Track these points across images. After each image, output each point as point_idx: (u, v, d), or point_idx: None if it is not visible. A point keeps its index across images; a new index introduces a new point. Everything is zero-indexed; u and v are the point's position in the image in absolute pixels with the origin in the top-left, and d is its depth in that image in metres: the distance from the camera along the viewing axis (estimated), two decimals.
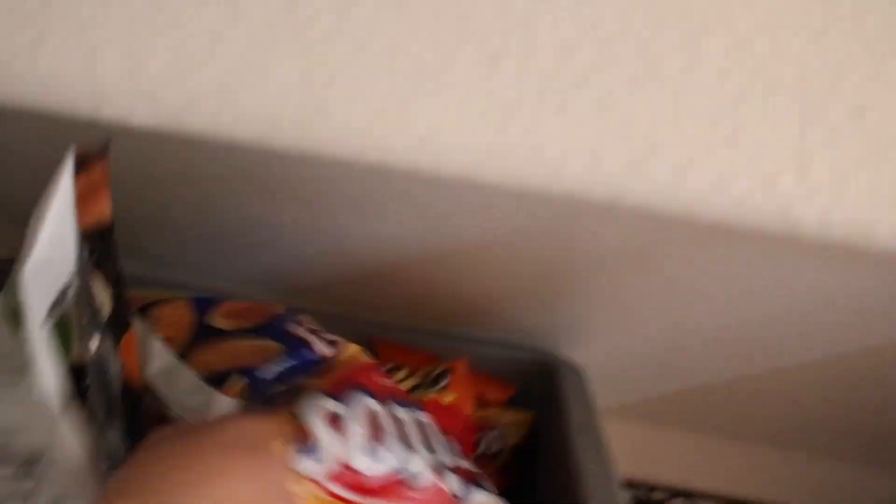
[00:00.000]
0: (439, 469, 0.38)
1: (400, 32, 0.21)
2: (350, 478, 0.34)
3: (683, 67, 0.21)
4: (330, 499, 0.33)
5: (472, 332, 0.65)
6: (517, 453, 0.59)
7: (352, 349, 0.42)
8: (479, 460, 0.57)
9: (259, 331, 0.43)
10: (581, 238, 0.52)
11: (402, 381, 0.55)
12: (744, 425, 0.78)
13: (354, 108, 0.22)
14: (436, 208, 0.51)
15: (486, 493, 0.40)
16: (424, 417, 0.41)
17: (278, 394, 0.38)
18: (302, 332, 0.43)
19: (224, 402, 0.36)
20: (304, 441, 0.33)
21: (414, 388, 0.54)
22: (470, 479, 0.40)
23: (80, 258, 0.37)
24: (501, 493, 0.55)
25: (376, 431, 0.36)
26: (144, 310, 0.45)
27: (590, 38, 0.20)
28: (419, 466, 0.36)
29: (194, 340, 0.42)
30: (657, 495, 0.84)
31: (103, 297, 0.38)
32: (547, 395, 0.60)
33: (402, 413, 0.39)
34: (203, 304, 0.46)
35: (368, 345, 0.63)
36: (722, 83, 0.21)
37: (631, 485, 0.84)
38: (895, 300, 0.47)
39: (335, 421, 0.35)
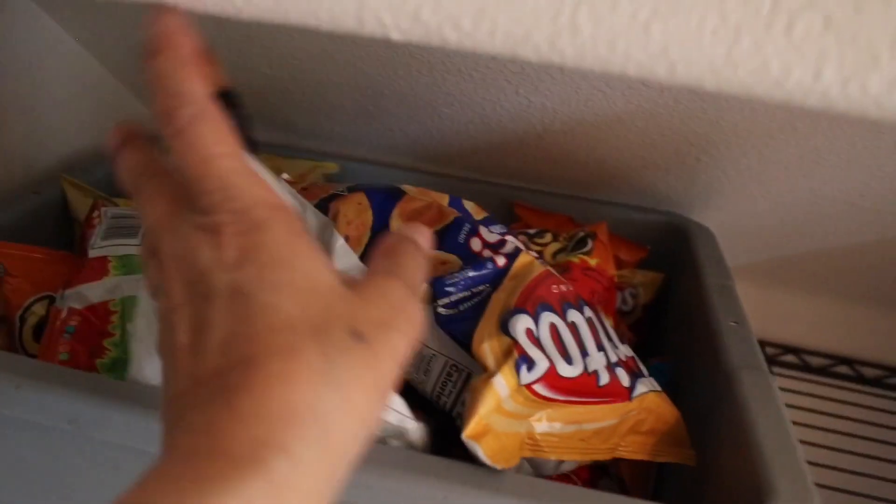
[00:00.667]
0: (611, 366, 0.44)
1: None
2: (554, 381, 0.40)
3: None
4: (540, 400, 0.40)
5: (606, 196, 0.69)
6: (648, 310, 0.64)
7: (524, 259, 0.46)
8: (615, 316, 0.62)
9: (438, 242, 0.47)
10: (730, 116, 0.54)
11: (547, 244, 0.59)
12: (857, 286, 0.80)
13: (602, 26, 0.25)
14: (590, 84, 0.53)
15: (645, 380, 0.46)
16: (590, 312, 0.46)
17: (473, 305, 0.43)
18: (479, 246, 0.47)
19: None
20: (518, 354, 0.40)
21: (559, 251, 0.59)
22: (633, 370, 0.46)
23: None
24: (633, 347, 0.61)
25: (560, 343, 0.42)
26: (323, 204, 0.49)
27: None
28: (598, 365, 0.43)
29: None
30: (770, 351, 0.88)
31: None
32: (678, 255, 0.64)
33: (575, 315, 0.44)
34: (381, 204, 0.50)
35: (509, 208, 0.68)
36: None
37: None
38: None
39: (531, 335, 0.41)
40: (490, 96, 0.57)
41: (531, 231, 0.61)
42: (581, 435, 0.42)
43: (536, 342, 0.41)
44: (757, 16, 0.24)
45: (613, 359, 0.45)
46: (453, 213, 0.50)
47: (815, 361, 0.88)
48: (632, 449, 0.44)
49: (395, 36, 0.27)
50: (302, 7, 0.28)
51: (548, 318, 0.42)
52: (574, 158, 0.64)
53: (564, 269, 0.56)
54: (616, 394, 0.43)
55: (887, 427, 0.82)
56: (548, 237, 0.60)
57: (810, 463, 0.40)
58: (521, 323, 0.41)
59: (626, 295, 0.63)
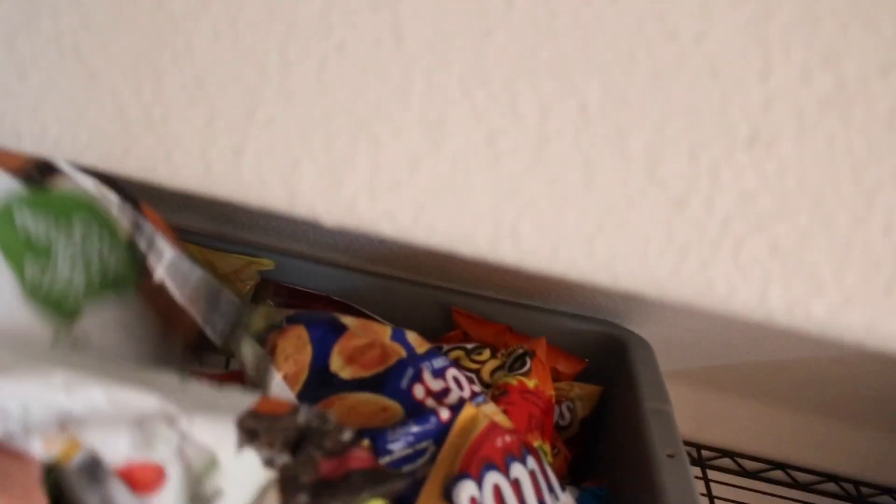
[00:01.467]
0: None
1: (589, 172, 0.23)
2: None
3: (856, 219, 0.23)
4: None
5: (544, 303, 0.68)
6: (585, 424, 0.63)
7: (468, 412, 0.45)
8: (552, 438, 0.61)
9: (378, 386, 0.46)
10: None
11: (485, 362, 0.58)
12: (794, 394, 0.81)
13: (545, 234, 0.24)
14: None
15: None
16: (532, 463, 0.45)
17: (418, 470, 0.41)
18: (422, 394, 0.45)
19: None
20: None
21: (497, 369, 0.57)
22: None
23: None
24: (569, 464, 0.60)
25: None
26: (262, 337, 0.47)
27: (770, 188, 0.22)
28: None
29: (312, 387, 0.45)
30: (706, 454, 0.89)
31: None
32: (616, 369, 0.63)
33: (518, 470, 0.43)
34: (321, 340, 0.48)
35: (446, 314, 0.66)
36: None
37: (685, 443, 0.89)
38: None
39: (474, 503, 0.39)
40: None
41: (469, 346, 0.60)
42: None
43: None
44: (703, 238, 0.23)
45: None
46: (397, 354, 0.48)
47: (749, 465, 0.89)
48: None
49: (327, 221, 0.26)
50: (230, 187, 0.26)
51: (492, 479, 0.41)
52: (508, 266, 0.63)
53: (502, 392, 0.54)
54: None
55: None
56: (485, 353, 0.59)
57: None
58: (466, 491, 0.39)
59: (562, 409, 0.62)
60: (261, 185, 0.26)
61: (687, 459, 0.52)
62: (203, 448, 0.31)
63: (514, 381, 0.55)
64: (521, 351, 0.58)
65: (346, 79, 0.23)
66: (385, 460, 0.42)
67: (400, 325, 0.64)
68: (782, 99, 0.21)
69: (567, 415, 0.62)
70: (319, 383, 0.45)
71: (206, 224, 0.70)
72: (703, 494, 0.83)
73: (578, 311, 0.68)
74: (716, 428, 0.88)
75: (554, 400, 0.57)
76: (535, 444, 0.53)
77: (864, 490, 0.90)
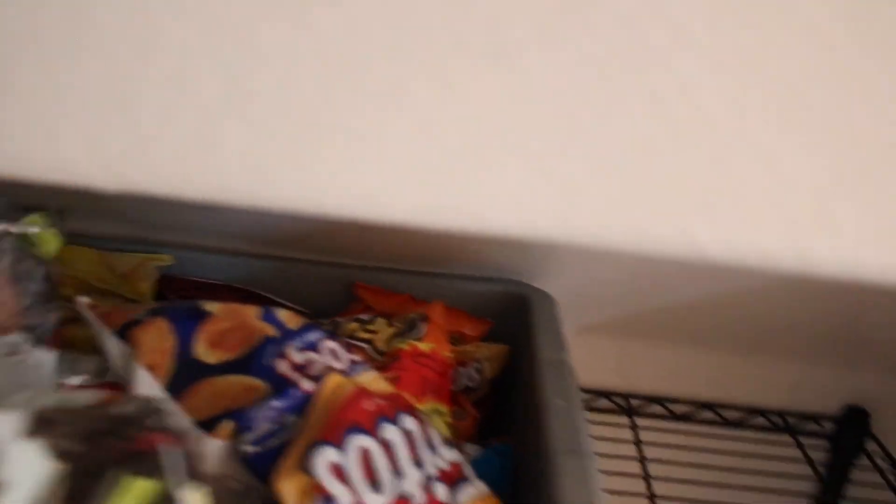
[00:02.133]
0: (429, 483, 0.43)
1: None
2: None
3: None
4: None
5: (447, 269, 0.68)
6: (494, 385, 0.63)
7: (333, 381, 0.44)
8: (457, 395, 0.61)
9: (244, 366, 0.45)
10: None
11: (378, 331, 0.58)
12: (714, 333, 0.82)
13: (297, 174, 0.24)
14: None
15: (470, 486, 0.45)
16: (410, 423, 0.45)
17: (281, 445, 0.41)
18: (286, 368, 0.45)
19: (214, 446, 0.38)
20: (316, 493, 0.37)
21: (392, 338, 0.57)
22: (455, 479, 0.45)
23: None
24: (479, 426, 0.60)
25: (370, 470, 0.40)
26: (123, 332, 0.47)
27: None
28: (412, 487, 0.41)
29: (179, 376, 0.45)
30: (634, 402, 0.89)
31: None
32: (520, 326, 0.64)
33: (391, 431, 0.43)
34: (184, 328, 0.48)
35: (349, 289, 0.66)
36: None
37: (610, 394, 0.90)
38: None
39: (338, 471, 0.39)
40: None
41: (364, 317, 0.60)
42: None
43: (341, 475, 0.39)
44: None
45: (432, 472, 0.44)
46: (262, 332, 0.48)
47: (678, 409, 0.90)
48: None
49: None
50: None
51: (357, 442, 0.41)
52: (410, 235, 0.63)
53: (394, 358, 0.55)
54: None
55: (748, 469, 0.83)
56: (379, 322, 0.59)
57: None
58: (324, 457, 0.39)
59: (470, 371, 0.62)
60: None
61: (579, 407, 0.52)
62: None
63: (405, 347, 0.55)
64: (413, 316, 0.58)
65: None
66: (249, 437, 0.42)
67: (306, 305, 0.64)
68: None
69: (475, 376, 0.62)
70: (186, 371, 0.45)
71: (101, 227, 0.70)
72: (632, 442, 0.83)
73: (481, 273, 0.68)
74: (642, 376, 0.89)
75: (452, 362, 0.57)
76: (429, 406, 0.53)
77: (790, 420, 0.91)
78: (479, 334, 0.64)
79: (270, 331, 0.48)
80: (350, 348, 0.51)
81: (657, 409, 0.90)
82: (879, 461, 0.87)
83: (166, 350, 0.46)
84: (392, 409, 0.45)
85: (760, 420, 0.91)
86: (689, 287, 0.69)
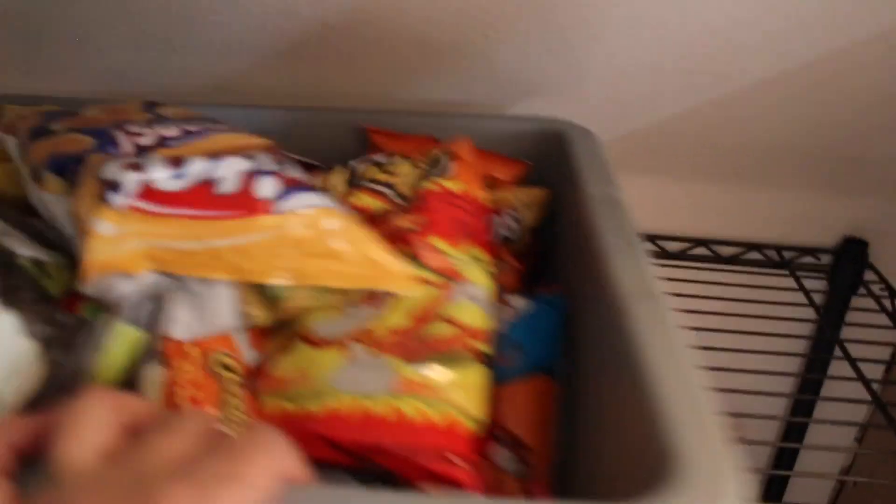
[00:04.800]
0: (252, 173, 0.39)
1: None
2: (155, 194, 0.37)
3: None
4: (145, 216, 0.37)
5: (470, 109, 0.59)
6: (537, 234, 0.56)
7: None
8: (496, 247, 0.53)
9: (85, 130, 0.43)
10: None
11: (402, 172, 0.50)
12: (709, 166, 0.76)
13: None
14: None
15: (312, 194, 0.40)
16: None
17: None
18: (118, 133, 0.43)
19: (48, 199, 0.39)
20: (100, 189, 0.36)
21: (418, 180, 0.49)
22: (294, 184, 0.40)
23: None
24: (521, 278, 0.53)
25: (174, 160, 0.38)
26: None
27: None
28: (227, 172, 0.38)
29: (28, 140, 0.43)
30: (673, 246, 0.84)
31: None
32: (559, 166, 0.55)
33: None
34: (54, 114, 0.47)
35: (362, 136, 0.58)
36: None
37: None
38: None
39: (134, 166, 0.37)
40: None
41: (381, 160, 0.51)
42: (214, 252, 0.38)
43: (132, 165, 0.37)
44: None
45: (267, 168, 0.39)
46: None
47: (671, 246, 0.85)
48: (318, 275, 0.39)
49: None
50: None
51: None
52: (417, 64, 0.54)
53: (421, 199, 0.47)
54: (244, 206, 0.38)
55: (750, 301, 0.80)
56: (400, 163, 0.50)
57: None
58: (117, 162, 0.37)
59: (507, 219, 0.54)
60: None
61: (640, 246, 0.44)
62: None
63: (434, 187, 0.47)
64: (439, 154, 0.50)
65: None
66: None
67: (317, 156, 0.55)
68: None
69: (513, 225, 0.54)
70: (34, 136, 0.44)
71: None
72: None
73: (507, 113, 0.59)
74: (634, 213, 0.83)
75: (485, 203, 0.49)
76: (467, 252, 0.46)
77: (786, 254, 0.85)
78: (513, 178, 0.56)
79: (139, 116, 0.46)
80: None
81: (649, 247, 0.83)
82: (877, 290, 0.81)
83: (29, 126, 0.45)
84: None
85: (756, 255, 0.85)
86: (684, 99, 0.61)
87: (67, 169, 0.39)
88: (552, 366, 0.46)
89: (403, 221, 0.44)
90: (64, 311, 0.37)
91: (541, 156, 0.57)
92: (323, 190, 0.43)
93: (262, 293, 0.39)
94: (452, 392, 0.39)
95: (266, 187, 0.38)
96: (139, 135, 0.42)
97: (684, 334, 0.36)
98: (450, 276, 0.43)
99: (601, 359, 0.40)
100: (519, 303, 0.47)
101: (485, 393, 0.41)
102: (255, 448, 0.25)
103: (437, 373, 0.39)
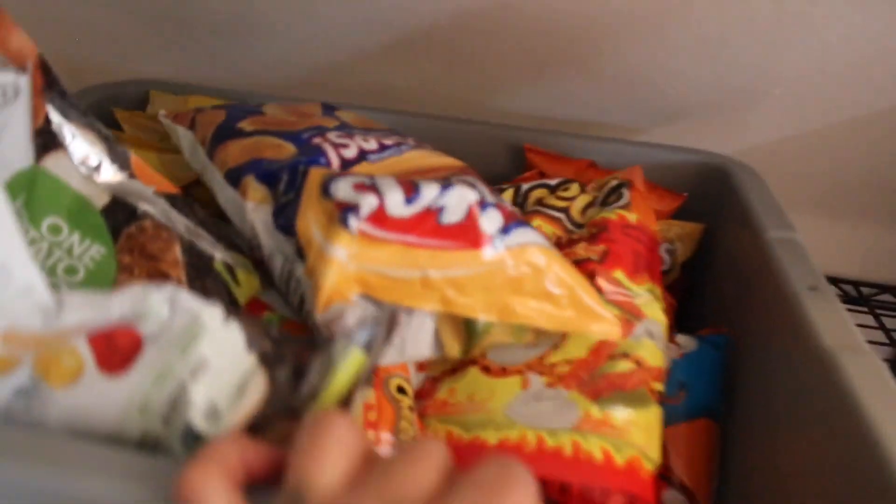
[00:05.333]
0: (478, 204, 0.37)
1: None
2: (387, 220, 0.35)
3: None
4: (371, 241, 0.35)
5: (629, 136, 0.58)
6: (686, 269, 0.54)
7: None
8: (661, 281, 0.52)
9: (281, 134, 0.42)
10: None
11: (573, 198, 0.49)
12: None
13: None
14: None
15: (529, 230, 0.38)
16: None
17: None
18: (321, 141, 0.42)
19: (248, 207, 0.39)
20: (340, 210, 0.35)
21: (589, 205, 0.48)
22: (513, 219, 0.38)
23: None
24: (674, 314, 0.51)
25: (408, 185, 0.37)
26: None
27: None
28: (454, 200, 0.36)
29: (215, 139, 0.43)
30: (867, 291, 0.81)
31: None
32: (719, 202, 0.54)
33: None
34: (235, 112, 0.47)
35: (517, 153, 0.57)
36: None
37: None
38: None
39: (360, 186, 0.36)
40: None
41: (552, 182, 0.50)
42: (428, 282, 0.36)
43: (366, 187, 0.36)
44: None
45: (490, 200, 0.38)
46: (314, 121, 0.46)
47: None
48: (526, 314, 0.38)
49: None
50: None
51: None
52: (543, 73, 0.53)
53: (601, 229, 0.46)
54: (466, 238, 0.36)
55: None
56: (573, 189, 0.49)
57: None
58: (347, 180, 0.36)
59: (661, 252, 0.53)
60: None
61: (832, 293, 0.43)
62: (189, 310, 0.29)
63: (613, 216, 0.46)
64: (615, 182, 0.48)
65: None
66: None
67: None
68: None
69: (667, 258, 0.53)
70: (223, 136, 0.44)
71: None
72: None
73: (669, 143, 0.58)
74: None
75: (658, 237, 0.48)
76: (645, 286, 0.45)
77: (864, 290, 0.82)
78: (670, 210, 0.55)
79: (328, 122, 0.45)
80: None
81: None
82: None
83: (214, 122, 0.45)
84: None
85: (833, 290, 0.83)
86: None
87: (274, 177, 0.39)
88: (716, 408, 0.44)
89: (584, 251, 0.43)
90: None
91: (699, 189, 0.55)
92: (538, 227, 0.42)
93: (464, 328, 0.38)
94: (634, 432, 0.38)
95: (490, 221, 0.37)
96: (342, 146, 0.41)
97: None
98: (631, 313, 0.42)
99: (786, 410, 0.39)
100: (685, 341, 0.46)
101: (661, 434, 0.40)
102: (509, 484, 0.24)
103: (620, 412, 0.38)
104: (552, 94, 0.62)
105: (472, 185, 0.38)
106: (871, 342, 0.75)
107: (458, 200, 0.37)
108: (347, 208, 0.35)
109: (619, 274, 0.43)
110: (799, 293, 0.41)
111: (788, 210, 0.73)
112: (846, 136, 0.63)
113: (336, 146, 0.41)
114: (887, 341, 0.77)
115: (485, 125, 0.57)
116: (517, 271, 0.37)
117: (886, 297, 0.83)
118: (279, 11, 0.57)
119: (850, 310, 0.79)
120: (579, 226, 0.47)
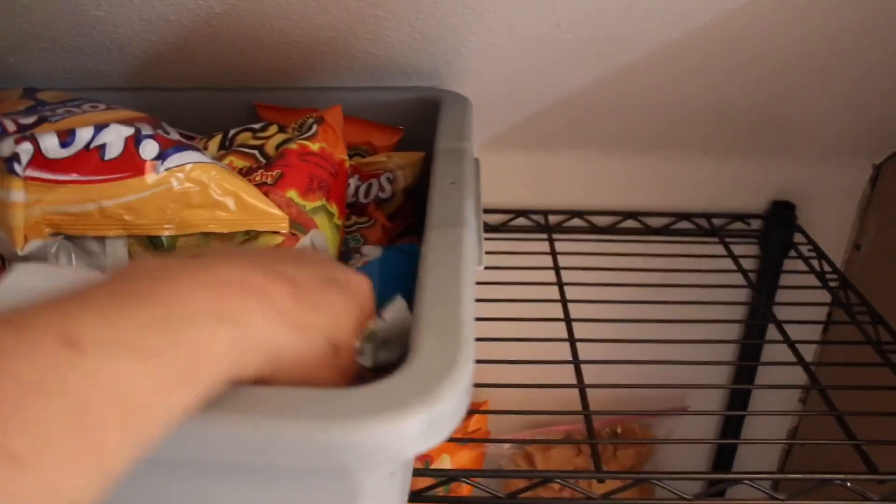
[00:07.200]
0: (134, 137, 0.43)
1: None
2: (48, 162, 0.41)
3: None
4: (43, 185, 0.41)
5: (354, 82, 0.64)
6: (411, 195, 0.60)
7: None
8: (368, 207, 0.58)
9: None
10: None
11: (270, 136, 0.54)
12: (631, 136, 0.77)
13: None
14: None
15: (191, 152, 0.44)
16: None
17: None
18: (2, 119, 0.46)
19: None
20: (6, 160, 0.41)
21: (283, 142, 0.54)
22: (173, 145, 0.44)
23: None
24: (391, 236, 0.57)
25: (64, 132, 0.42)
26: None
27: None
28: (111, 137, 0.43)
29: None
30: (553, 219, 0.85)
31: None
32: (433, 130, 0.59)
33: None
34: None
35: (251, 112, 0.63)
36: None
37: (528, 212, 0.86)
38: None
39: (21, 139, 0.41)
40: None
41: (256, 126, 0.56)
42: (106, 212, 0.43)
43: (24, 139, 0.41)
44: None
45: (146, 132, 0.44)
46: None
47: (600, 221, 0.86)
48: (202, 223, 0.45)
49: None
50: None
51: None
52: (303, 44, 0.59)
53: (279, 157, 0.51)
54: (129, 167, 0.43)
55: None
56: (272, 129, 0.55)
57: None
58: (10, 138, 0.41)
59: (382, 182, 0.59)
60: None
61: (472, 186, 0.48)
62: None
63: (293, 146, 0.51)
64: (309, 120, 0.54)
65: None
66: None
67: (212, 131, 0.60)
68: None
69: (387, 186, 0.59)
70: None
71: None
72: (551, 266, 0.77)
73: (392, 83, 0.63)
74: (560, 191, 0.84)
75: (345, 164, 0.54)
76: (317, 203, 0.50)
77: (715, 221, 0.86)
78: (389, 144, 0.60)
79: (20, 105, 0.49)
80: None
81: (578, 222, 0.85)
82: (806, 252, 0.83)
83: None
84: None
85: (686, 224, 0.86)
86: (592, 69, 0.63)
87: None
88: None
89: (260, 177, 0.49)
90: None
91: (418, 122, 0.61)
92: (229, 163, 0.48)
93: (153, 246, 0.45)
94: None
95: (148, 149, 0.43)
96: (23, 116, 0.46)
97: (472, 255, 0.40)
98: (301, 223, 0.48)
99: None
100: (369, 251, 0.51)
101: None
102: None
103: None
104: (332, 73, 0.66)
105: (131, 124, 0.44)
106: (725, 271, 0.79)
107: (116, 137, 0.43)
108: (11, 158, 0.41)
109: (291, 193, 0.48)
110: (438, 186, 0.47)
111: (637, 150, 0.78)
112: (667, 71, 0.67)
113: (15, 117, 0.46)
114: (734, 267, 0.82)
115: (221, 91, 0.63)
116: (182, 187, 0.44)
117: (738, 226, 0.87)
118: None
119: (703, 242, 0.84)
120: (270, 158, 0.52)
